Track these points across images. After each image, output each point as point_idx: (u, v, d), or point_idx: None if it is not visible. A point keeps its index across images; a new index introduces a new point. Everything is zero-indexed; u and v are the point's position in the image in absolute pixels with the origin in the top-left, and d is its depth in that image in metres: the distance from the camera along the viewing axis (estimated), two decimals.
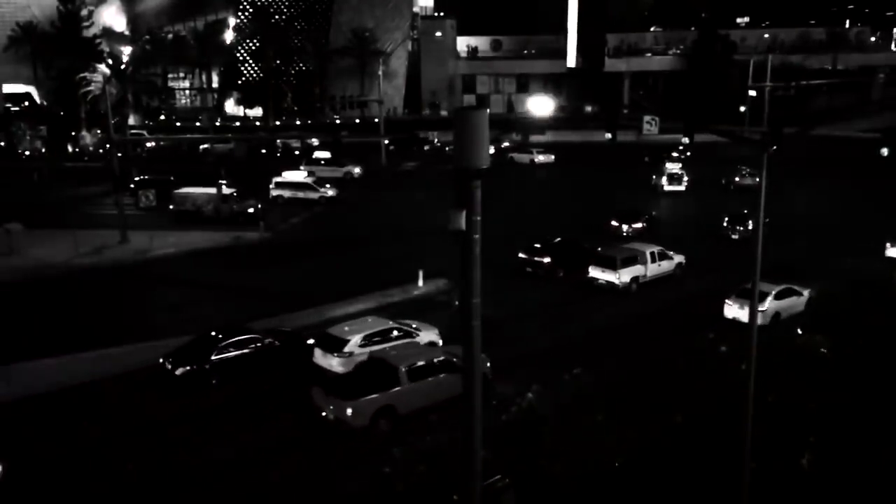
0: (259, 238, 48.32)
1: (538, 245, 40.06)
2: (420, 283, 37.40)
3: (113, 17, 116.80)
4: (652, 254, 37.88)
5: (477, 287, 12.73)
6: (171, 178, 60.17)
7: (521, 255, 39.89)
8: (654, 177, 65.74)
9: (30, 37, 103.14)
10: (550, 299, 36.03)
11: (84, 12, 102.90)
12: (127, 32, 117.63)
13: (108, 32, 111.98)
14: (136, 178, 61.66)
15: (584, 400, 24.91)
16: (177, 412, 24.56)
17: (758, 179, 17.23)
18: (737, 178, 64.40)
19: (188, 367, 25.74)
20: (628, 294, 36.55)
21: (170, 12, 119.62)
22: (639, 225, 48.47)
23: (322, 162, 71.91)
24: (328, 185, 60.82)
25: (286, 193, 59.01)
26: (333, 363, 26.28)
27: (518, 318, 32.88)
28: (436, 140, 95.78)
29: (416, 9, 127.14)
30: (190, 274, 41.13)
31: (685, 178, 64.11)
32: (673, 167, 66.88)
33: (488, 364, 25.19)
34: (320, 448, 22.31)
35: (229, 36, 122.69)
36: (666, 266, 38.49)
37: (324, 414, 23.34)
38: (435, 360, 24.58)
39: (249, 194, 54.06)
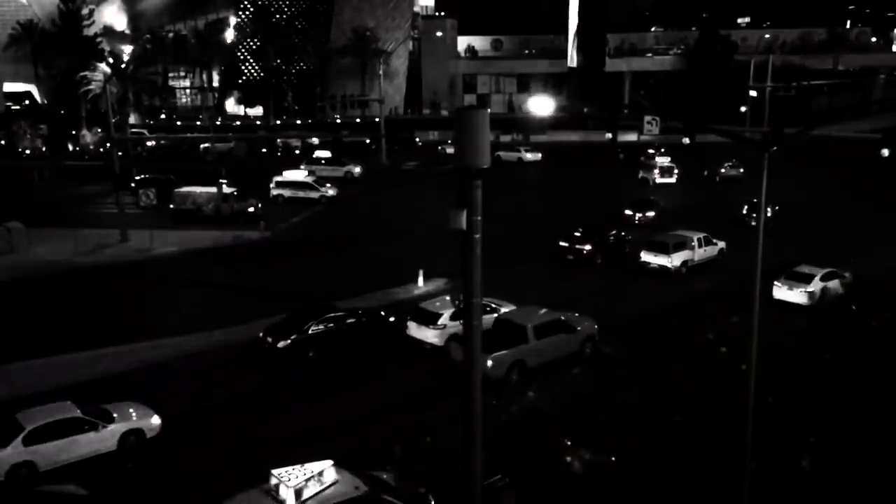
0: (259, 237, 48.32)
1: (578, 233, 42.26)
2: (420, 282, 37.42)
3: (114, 16, 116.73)
4: (699, 239, 40.61)
5: (478, 287, 12.71)
6: (172, 177, 60.18)
7: (561, 243, 42.04)
8: (640, 171, 68.59)
9: (30, 36, 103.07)
10: (611, 282, 38.82)
11: (85, 11, 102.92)
12: (128, 31, 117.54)
13: (108, 31, 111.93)
14: (137, 177, 61.65)
15: (584, 400, 24.91)
16: (296, 379, 27.47)
17: (742, 171, 17.53)
18: (722, 170, 68.30)
19: (289, 341, 28.09)
20: (679, 277, 38.99)
21: (170, 11, 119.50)
22: (651, 214, 50.89)
23: (322, 161, 71.89)
24: (328, 185, 60.77)
25: (286, 193, 58.94)
26: (428, 335, 29.06)
27: (592, 297, 35.03)
28: (418, 140, 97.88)
29: (416, 8, 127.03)
30: (190, 273, 41.13)
31: (675, 171, 67.33)
32: (664, 161, 69.78)
33: (595, 327, 29.28)
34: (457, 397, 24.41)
35: (230, 35, 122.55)
36: (710, 251, 41.14)
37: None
38: (552, 321, 28.03)
39: (249, 193, 54.04)
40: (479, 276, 12.68)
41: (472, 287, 12.69)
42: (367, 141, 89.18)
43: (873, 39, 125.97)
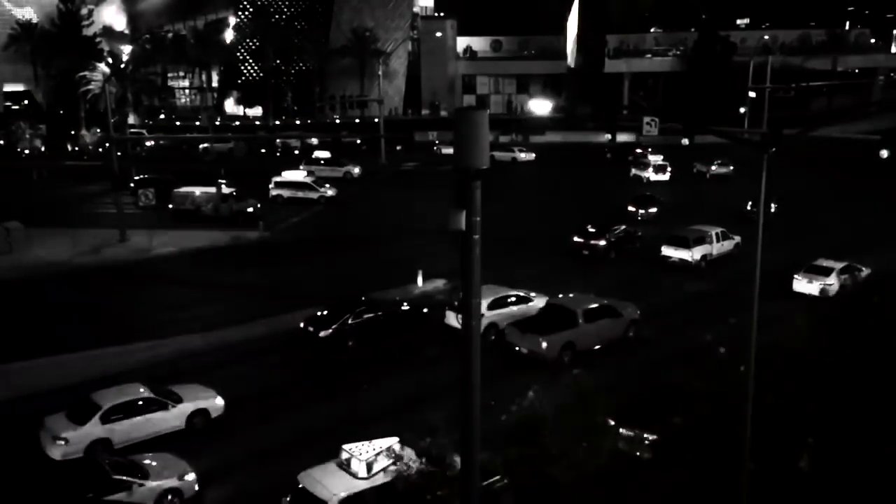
0: (258, 237, 48.32)
1: (593, 229, 43.07)
2: (419, 282, 37.44)
3: (113, 16, 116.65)
4: (717, 234, 41.75)
5: (477, 287, 12.70)
6: (171, 178, 60.13)
7: (575, 238, 42.94)
8: (633, 169, 69.96)
9: (30, 36, 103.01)
10: (633, 275, 39.72)
11: (84, 11, 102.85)
12: (127, 31, 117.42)
13: (107, 31, 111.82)
14: (136, 177, 61.57)
15: (585, 399, 24.88)
16: (339, 367, 28.94)
17: (731, 168, 17.60)
18: (713, 168, 70.05)
19: (329, 331, 29.53)
20: (699, 270, 40.25)
21: (170, 11, 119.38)
22: (653, 210, 51.94)
23: (321, 161, 71.87)
24: (327, 185, 60.79)
25: (285, 193, 58.95)
26: None
27: (619, 289, 35.36)
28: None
29: (416, 9, 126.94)
30: (189, 273, 41.18)
31: (668, 169, 68.91)
32: (657, 158, 71.06)
33: (638, 312, 31.18)
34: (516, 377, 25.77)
35: (229, 35, 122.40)
36: (727, 245, 42.16)
37: (517, 348, 28.71)
38: (600, 306, 29.93)
39: (248, 194, 54.03)
40: (478, 276, 12.65)
41: (472, 288, 12.67)
42: (359, 141, 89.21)
43: (872, 41, 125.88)
